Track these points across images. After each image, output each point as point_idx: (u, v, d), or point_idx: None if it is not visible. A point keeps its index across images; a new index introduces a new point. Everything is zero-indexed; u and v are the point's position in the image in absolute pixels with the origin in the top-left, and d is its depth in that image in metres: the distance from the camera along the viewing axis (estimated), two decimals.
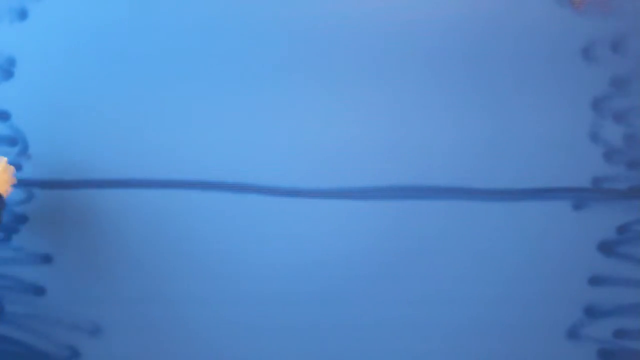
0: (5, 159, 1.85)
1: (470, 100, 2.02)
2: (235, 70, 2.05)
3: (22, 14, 2.06)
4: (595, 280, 2.00)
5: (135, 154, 2.04)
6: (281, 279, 2.02)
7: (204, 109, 2.04)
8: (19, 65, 2.05)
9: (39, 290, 2.05)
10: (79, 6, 2.07)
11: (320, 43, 2.04)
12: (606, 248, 2.00)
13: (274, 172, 2.03)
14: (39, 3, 2.06)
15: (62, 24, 2.07)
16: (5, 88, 2.05)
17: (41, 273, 2.05)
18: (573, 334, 2.00)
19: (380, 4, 2.05)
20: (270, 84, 2.04)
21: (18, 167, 2.06)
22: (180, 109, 2.05)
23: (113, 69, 2.06)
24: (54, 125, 2.05)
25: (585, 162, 2.00)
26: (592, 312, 2.00)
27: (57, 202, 2.04)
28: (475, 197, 2.00)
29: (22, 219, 2.06)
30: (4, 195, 1.78)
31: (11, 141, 2.07)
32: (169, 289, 2.02)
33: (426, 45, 2.04)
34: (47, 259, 2.05)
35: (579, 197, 2.00)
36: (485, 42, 2.03)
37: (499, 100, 2.02)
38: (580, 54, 2.01)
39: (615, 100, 2.01)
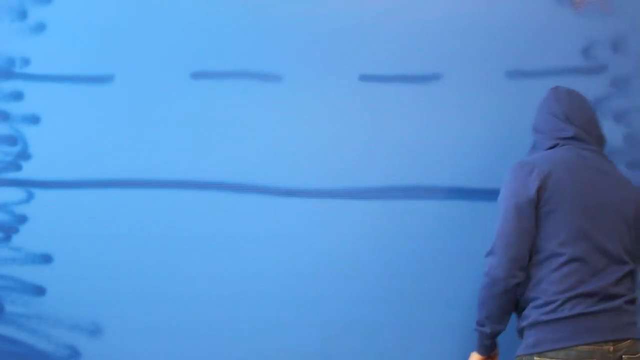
0: None
1: (470, 101, 2.02)
2: (235, 71, 2.05)
3: (22, 14, 2.07)
4: None
5: (136, 154, 2.04)
6: (281, 279, 2.02)
7: (204, 109, 2.04)
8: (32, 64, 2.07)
9: (39, 290, 2.05)
10: (82, 7, 2.07)
11: (320, 45, 2.05)
12: None
13: (274, 172, 2.03)
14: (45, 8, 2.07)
15: (67, 28, 2.07)
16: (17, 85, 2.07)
17: (41, 273, 2.05)
18: None
19: (378, 6, 2.05)
20: (270, 84, 2.04)
21: (18, 167, 2.06)
22: (180, 110, 2.05)
23: (114, 69, 2.06)
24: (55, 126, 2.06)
25: None
26: None
27: (57, 202, 2.04)
28: (475, 197, 2.00)
29: (22, 219, 2.06)
30: None
31: (11, 141, 2.07)
32: (169, 289, 2.02)
33: (426, 45, 2.04)
34: (47, 259, 2.05)
35: None
36: (485, 42, 2.03)
37: (498, 100, 2.02)
38: (580, 54, 2.02)
39: (615, 100, 2.01)
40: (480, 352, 1.66)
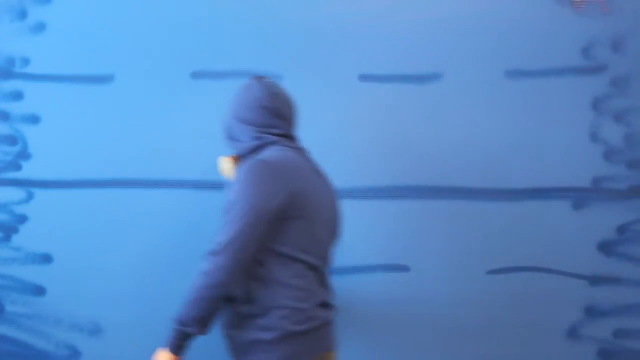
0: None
1: (469, 101, 2.02)
2: (235, 71, 2.05)
3: (23, 14, 2.07)
4: (595, 280, 2.00)
5: (136, 154, 2.04)
6: None
7: (204, 109, 2.04)
8: (32, 63, 2.07)
9: (39, 290, 2.05)
10: (82, 7, 2.07)
11: (321, 45, 2.05)
12: (606, 248, 2.00)
13: None
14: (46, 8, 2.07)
15: (67, 28, 2.07)
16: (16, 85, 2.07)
17: (41, 273, 2.05)
18: (573, 334, 2.00)
19: (378, 6, 2.05)
20: None
21: (18, 167, 2.06)
22: (180, 110, 2.05)
23: (114, 69, 2.06)
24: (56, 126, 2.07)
25: (585, 162, 2.00)
26: (592, 312, 2.00)
27: (57, 202, 2.05)
28: (475, 197, 2.00)
29: (22, 219, 2.06)
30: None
31: (11, 141, 2.07)
32: (169, 289, 2.02)
33: (426, 45, 2.04)
34: (47, 259, 2.05)
35: (579, 197, 2.00)
36: (485, 42, 2.03)
37: (498, 100, 2.02)
38: (580, 54, 2.02)
39: (615, 100, 2.01)
40: (174, 352, 1.46)
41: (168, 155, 2.04)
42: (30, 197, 2.06)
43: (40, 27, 2.07)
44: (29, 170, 2.06)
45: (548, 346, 1.99)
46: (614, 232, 2.00)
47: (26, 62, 2.07)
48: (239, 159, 1.58)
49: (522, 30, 2.02)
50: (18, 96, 2.07)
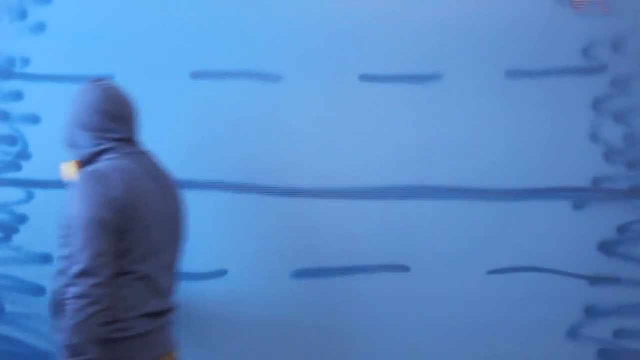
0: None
1: (469, 101, 2.02)
2: (235, 71, 2.05)
3: (23, 14, 2.07)
4: (595, 280, 2.00)
5: None
6: (280, 279, 2.02)
7: (204, 109, 2.04)
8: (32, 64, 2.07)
9: (39, 290, 2.05)
10: (82, 7, 2.07)
11: (321, 45, 2.05)
12: (606, 248, 2.00)
13: (274, 172, 2.03)
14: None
15: (67, 28, 2.07)
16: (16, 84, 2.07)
17: (41, 273, 2.05)
18: (573, 334, 2.00)
19: (378, 6, 2.05)
20: (270, 84, 2.04)
21: (18, 167, 2.06)
22: (180, 110, 2.05)
23: (114, 69, 2.06)
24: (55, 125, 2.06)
25: (585, 162, 2.00)
26: (592, 312, 2.00)
27: (57, 202, 2.04)
28: (475, 197, 2.00)
29: (22, 219, 2.06)
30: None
31: (11, 141, 2.07)
32: None
33: (426, 45, 2.04)
34: (47, 259, 2.05)
35: (579, 197, 2.00)
36: (485, 42, 2.03)
37: (498, 100, 2.02)
38: (580, 54, 2.02)
39: (615, 100, 2.01)
40: None
41: (167, 155, 2.03)
42: (30, 197, 2.06)
43: (40, 27, 2.07)
44: (29, 170, 2.06)
45: (548, 346, 1.99)
46: (614, 232, 1.99)
47: (26, 62, 2.07)
48: (81, 164, 1.57)
49: (522, 30, 2.02)
50: (18, 96, 2.07)
